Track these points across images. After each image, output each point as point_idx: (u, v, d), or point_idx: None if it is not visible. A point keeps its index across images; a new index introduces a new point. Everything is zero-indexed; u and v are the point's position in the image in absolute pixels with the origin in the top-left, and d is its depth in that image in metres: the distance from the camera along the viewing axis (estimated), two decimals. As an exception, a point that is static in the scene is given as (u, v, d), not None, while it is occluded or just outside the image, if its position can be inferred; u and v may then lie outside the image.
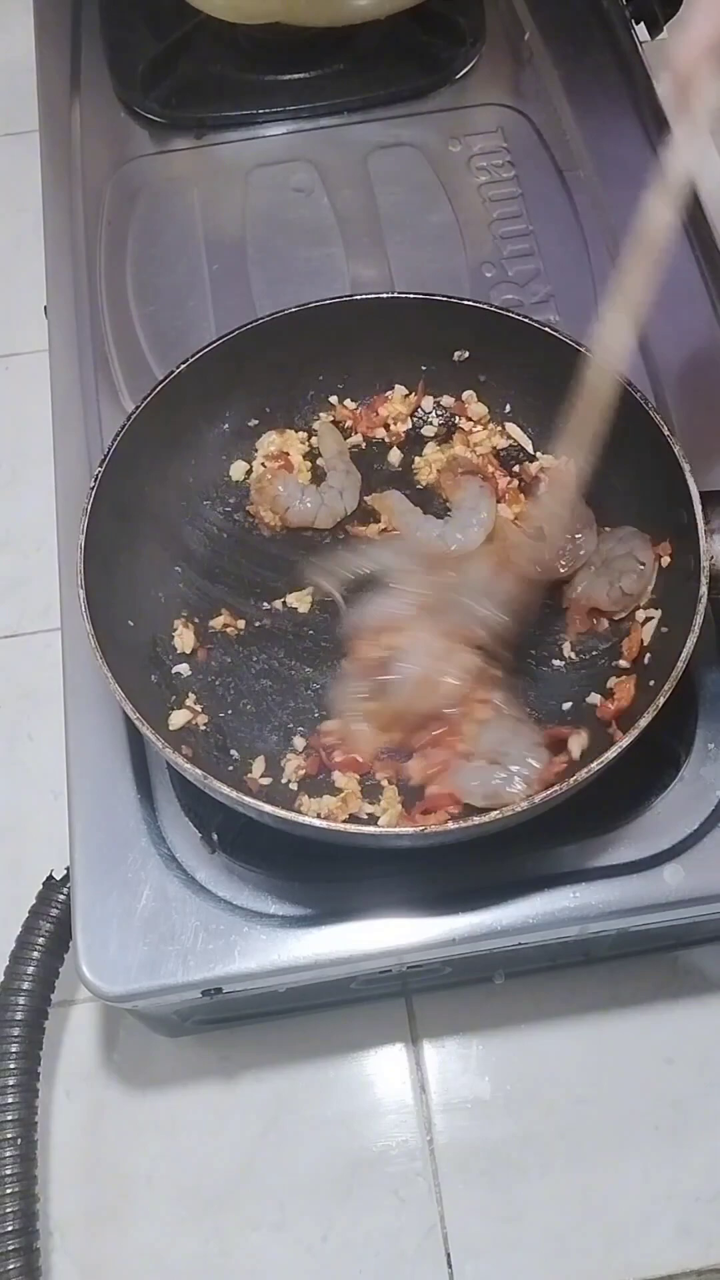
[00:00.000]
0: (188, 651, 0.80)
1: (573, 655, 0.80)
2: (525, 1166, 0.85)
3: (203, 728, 0.77)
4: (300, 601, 0.83)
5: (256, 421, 0.88)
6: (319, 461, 0.87)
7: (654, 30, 1.14)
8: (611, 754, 0.65)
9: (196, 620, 0.81)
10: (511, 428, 0.88)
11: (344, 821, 0.71)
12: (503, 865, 0.74)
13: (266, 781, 0.75)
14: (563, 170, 1.03)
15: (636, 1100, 0.87)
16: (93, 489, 0.74)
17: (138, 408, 0.78)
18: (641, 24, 1.14)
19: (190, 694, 0.78)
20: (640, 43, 1.12)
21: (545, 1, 1.15)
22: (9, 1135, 0.75)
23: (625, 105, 1.07)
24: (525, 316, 0.82)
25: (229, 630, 0.81)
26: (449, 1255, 0.83)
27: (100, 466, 0.75)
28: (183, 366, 0.80)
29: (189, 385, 0.81)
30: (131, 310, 0.96)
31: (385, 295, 0.85)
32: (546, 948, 0.79)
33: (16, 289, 1.22)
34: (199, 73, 1.10)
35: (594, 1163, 0.85)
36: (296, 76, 1.09)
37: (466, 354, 0.87)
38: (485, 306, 0.83)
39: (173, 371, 0.80)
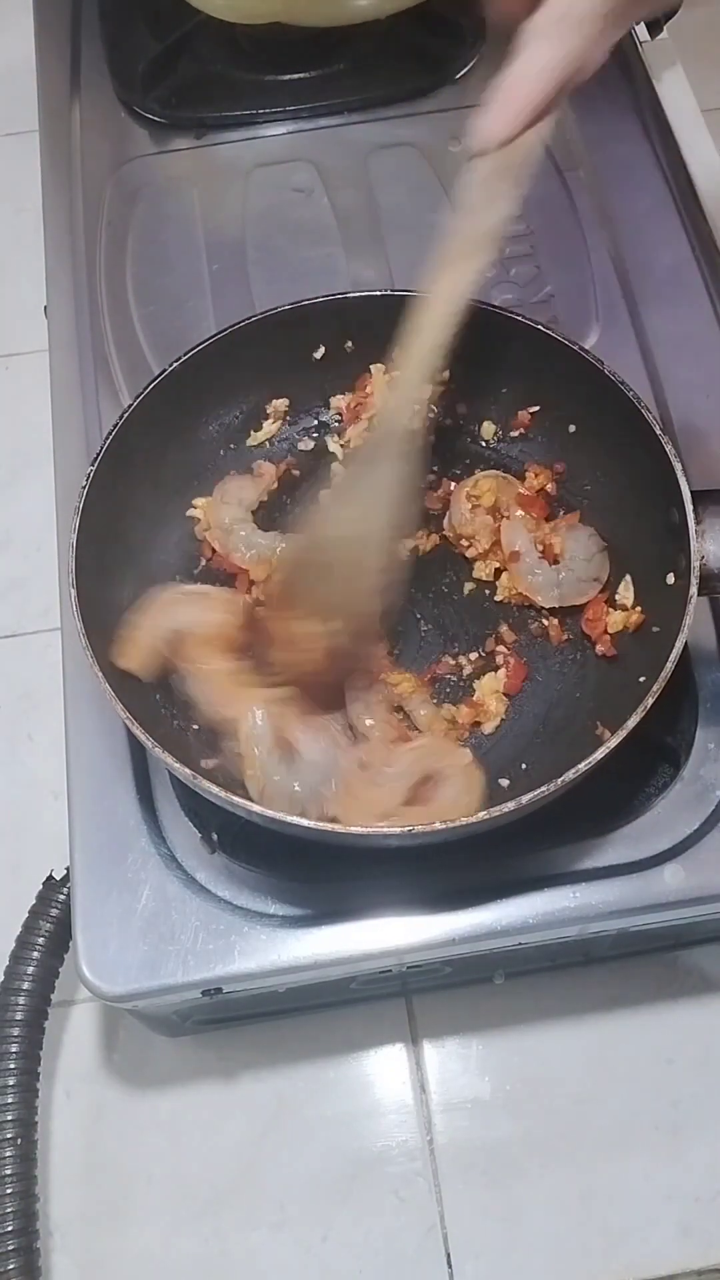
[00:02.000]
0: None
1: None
2: (525, 1166, 0.85)
3: (196, 727, 0.77)
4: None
5: (250, 418, 0.88)
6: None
7: (654, 30, 1.14)
8: (600, 754, 0.65)
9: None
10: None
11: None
12: (503, 865, 0.74)
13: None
14: (563, 170, 1.03)
15: (636, 1100, 0.87)
16: (84, 490, 0.74)
17: (129, 407, 0.78)
18: (641, 24, 1.14)
19: (182, 690, 0.78)
20: (640, 43, 1.12)
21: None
22: (9, 1135, 0.75)
23: (625, 105, 1.07)
24: (523, 316, 0.82)
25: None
26: (449, 1255, 0.83)
27: (92, 466, 0.75)
28: (175, 365, 0.80)
29: (183, 384, 0.81)
30: (131, 310, 0.96)
31: (379, 294, 0.85)
32: (546, 948, 0.79)
33: (16, 289, 1.22)
34: (199, 73, 1.11)
35: (594, 1163, 0.85)
36: (296, 76, 1.09)
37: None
38: (480, 305, 0.83)
39: (164, 371, 0.80)
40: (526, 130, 0.57)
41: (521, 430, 0.87)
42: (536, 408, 0.86)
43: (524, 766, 0.75)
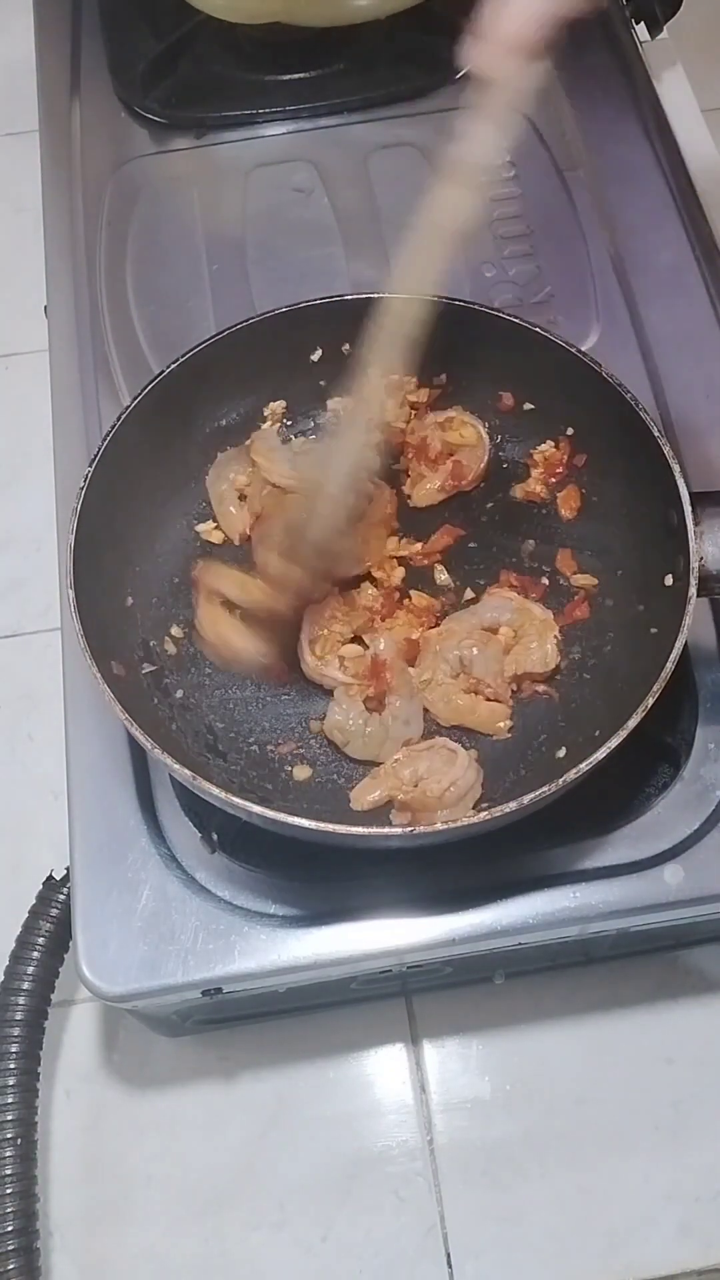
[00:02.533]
0: (180, 652, 0.80)
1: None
2: (525, 1166, 0.85)
3: (195, 728, 0.77)
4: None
5: (247, 420, 0.88)
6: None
7: (654, 30, 1.14)
8: (600, 755, 0.65)
9: (187, 623, 0.81)
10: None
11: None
12: (503, 865, 0.74)
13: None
14: (563, 170, 1.03)
15: (636, 1100, 0.87)
16: (82, 492, 0.74)
17: (126, 410, 0.78)
18: (641, 24, 1.14)
19: (180, 691, 0.78)
20: (640, 43, 1.12)
21: (545, 1, 1.15)
22: (9, 1135, 0.75)
23: (625, 105, 1.07)
24: (519, 318, 0.82)
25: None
26: (449, 1255, 0.83)
27: (89, 468, 0.75)
28: (171, 368, 0.80)
29: (180, 387, 0.80)
30: (131, 310, 0.96)
31: (376, 296, 0.84)
32: (546, 948, 0.79)
33: (16, 289, 1.22)
34: (199, 73, 1.11)
35: (594, 1163, 0.85)
36: (296, 76, 1.09)
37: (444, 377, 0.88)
38: (477, 307, 0.83)
39: (160, 374, 0.80)
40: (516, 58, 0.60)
41: (518, 433, 0.87)
42: (532, 407, 0.86)
43: (523, 772, 0.75)
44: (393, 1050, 0.90)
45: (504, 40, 0.60)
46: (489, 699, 0.77)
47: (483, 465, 0.86)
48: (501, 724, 0.77)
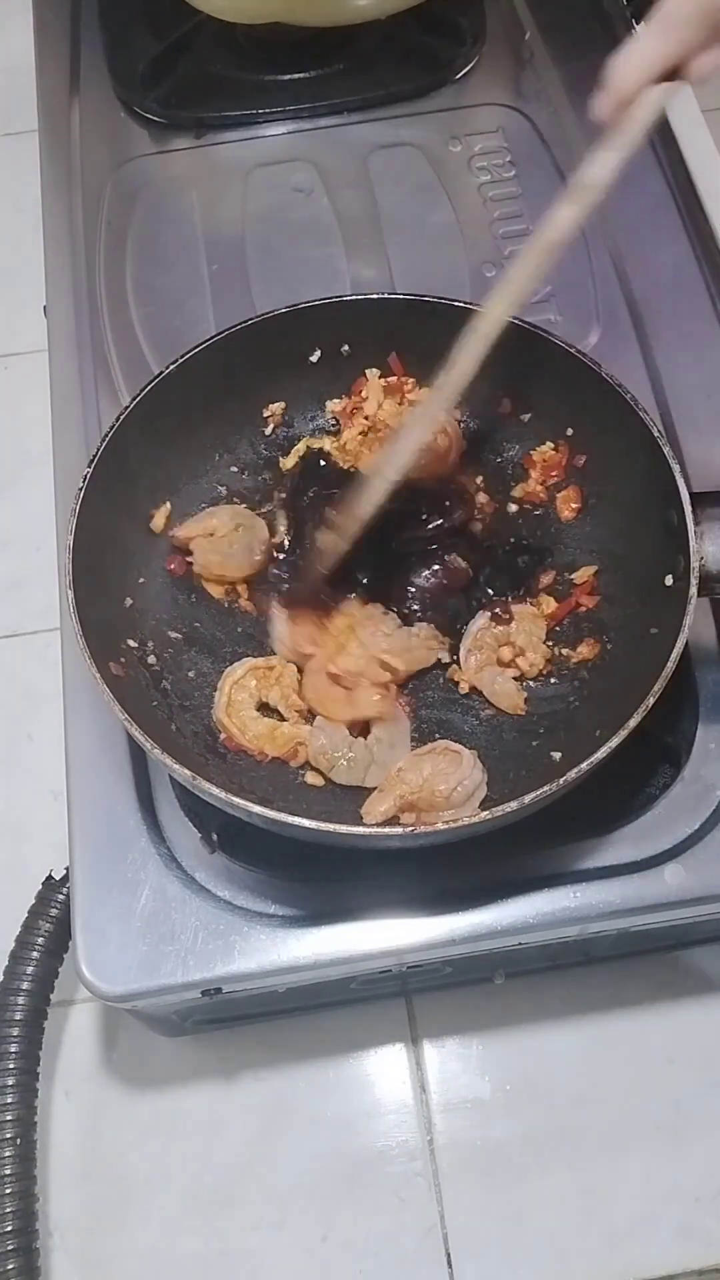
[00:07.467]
0: (179, 653, 0.80)
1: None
2: (525, 1166, 0.85)
3: (194, 728, 0.77)
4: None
5: (246, 421, 0.88)
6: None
7: (654, 30, 1.14)
8: (600, 754, 0.65)
9: (186, 624, 0.81)
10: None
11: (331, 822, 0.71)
12: (503, 865, 0.74)
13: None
14: (563, 170, 1.03)
15: (636, 1100, 0.87)
16: (80, 492, 0.74)
17: (125, 410, 0.78)
18: (641, 24, 1.14)
19: (180, 692, 0.78)
20: (640, 43, 1.12)
21: (545, 1, 1.15)
22: (8, 1135, 0.75)
23: (625, 105, 1.07)
24: (518, 319, 0.82)
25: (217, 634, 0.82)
26: (449, 1255, 0.83)
27: (88, 469, 0.75)
28: (170, 369, 0.80)
29: (179, 388, 0.80)
30: (131, 310, 0.96)
31: (375, 296, 0.85)
32: (546, 948, 0.79)
33: (16, 289, 1.23)
34: (199, 73, 1.11)
35: (594, 1163, 0.85)
36: (296, 76, 1.09)
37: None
38: (476, 308, 0.83)
39: (159, 375, 0.79)
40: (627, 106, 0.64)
41: (518, 435, 0.87)
42: (530, 414, 0.86)
43: (523, 772, 0.75)
44: (393, 1050, 0.90)
45: (627, 91, 0.64)
46: (522, 671, 0.79)
47: (435, 469, 0.85)
48: (519, 702, 0.78)
